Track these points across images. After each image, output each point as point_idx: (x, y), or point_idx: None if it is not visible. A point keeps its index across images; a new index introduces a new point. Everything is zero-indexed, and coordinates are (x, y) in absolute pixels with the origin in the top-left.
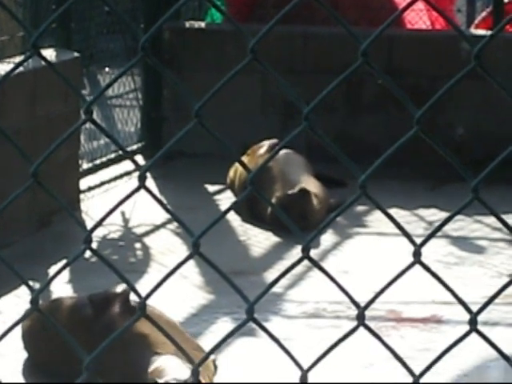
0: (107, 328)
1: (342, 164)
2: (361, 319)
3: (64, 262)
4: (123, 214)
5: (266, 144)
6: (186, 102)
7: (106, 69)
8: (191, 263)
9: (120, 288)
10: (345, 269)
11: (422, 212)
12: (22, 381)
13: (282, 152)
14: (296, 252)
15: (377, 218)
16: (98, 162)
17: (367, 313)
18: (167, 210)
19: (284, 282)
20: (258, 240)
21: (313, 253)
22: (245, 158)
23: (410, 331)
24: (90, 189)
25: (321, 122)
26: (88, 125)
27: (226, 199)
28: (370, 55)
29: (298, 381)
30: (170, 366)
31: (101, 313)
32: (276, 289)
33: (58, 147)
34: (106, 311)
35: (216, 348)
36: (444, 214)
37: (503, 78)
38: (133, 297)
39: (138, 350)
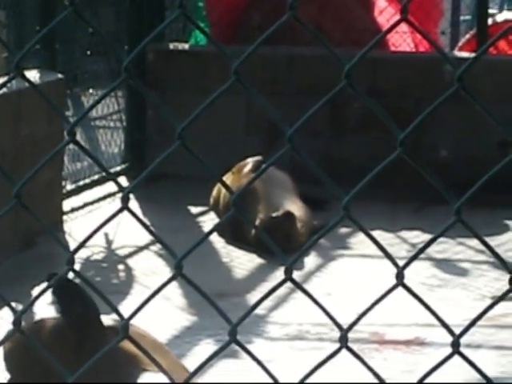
0: (92, 348)
1: (326, 186)
2: (344, 341)
3: (47, 283)
4: (106, 235)
5: (250, 162)
6: (169, 123)
7: (90, 90)
8: (174, 285)
9: (93, 310)
10: (328, 291)
11: (406, 234)
12: None
13: (267, 171)
14: (279, 274)
15: (360, 240)
16: (81, 183)
17: (350, 335)
18: (150, 232)
19: (267, 303)
20: (242, 262)
21: (296, 275)
22: (229, 177)
23: (393, 353)
24: (74, 210)
25: (305, 143)
26: (72, 146)
27: (209, 221)
28: (353, 77)
29: None
30: (157, 382)
31: (81, 334)
32: (259, 311)
33: (41, 168)
34: (86, 331)
35: (199, 370)
36: (427, 236)
37: (486, 100)
38: (116, 318)
39: (125, 369)
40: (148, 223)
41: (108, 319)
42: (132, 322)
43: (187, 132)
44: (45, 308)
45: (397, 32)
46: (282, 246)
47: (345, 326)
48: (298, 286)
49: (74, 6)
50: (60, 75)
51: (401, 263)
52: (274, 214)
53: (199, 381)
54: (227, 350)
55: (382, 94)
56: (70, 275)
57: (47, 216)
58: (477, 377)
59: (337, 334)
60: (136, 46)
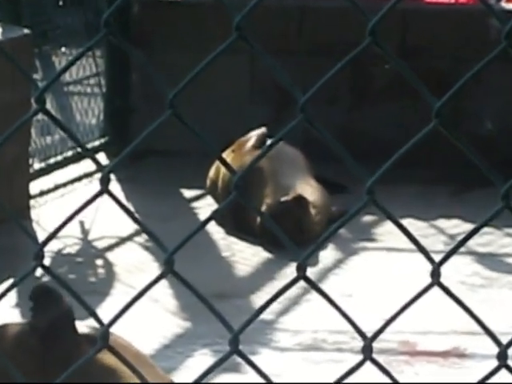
0: (61, 358)
1: (346, 165)
2: (368, 352)
3: (11, 281)
4: (82, 223)
5: (253, 136)
6: (158, 89)
7: (63, 49)
8: (164, 284)
9: (65, 311)
10: (349, 291)
11: (442, 223)
12: None
13: (276, 147)
14: (290, 271)
15: (387, 231)
16: (52, 161)
17: (375, 344)
18: (135, 220)
19: (275, 307)
20: (245, 256)
21: (310, 272)
22: (230, 154)
23: (427, 367)
24: (43, 193)
25: (321, 113)
26: (40, 116)
27: (205, 206)
28: (379, 33)
29: None
30: None
31: (49, 341)
32: (266, 315)
33: (3, 143)
34: (56, 339)
35: None
36: (468, 226)
37: None
38: (94, 324)
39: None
40: (132, 209)
41: (84, 326)
42: (112, 329)
43: (180, 99)
44: (8, 311)
45: None
46: (294, 238)
47: (369, 334)
48: (313, 285)
49: None
50: (26, 30)
51: (437, 258)
52: (284, 199)
53: None
54: (227, 362)
55: (413, 54)
56: (39, 272)
57: (11, 200)
58: None
59: (359, 343)
60: None
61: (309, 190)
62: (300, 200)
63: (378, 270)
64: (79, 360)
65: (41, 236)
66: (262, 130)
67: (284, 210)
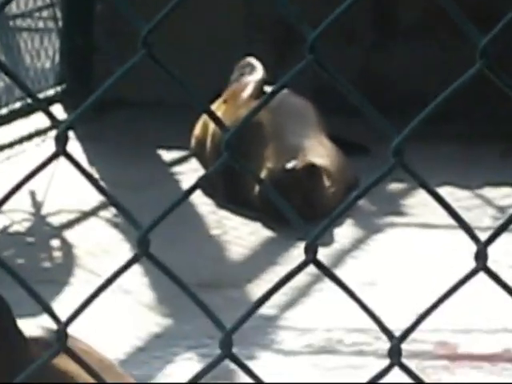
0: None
1: (366, 118)
2: (396, 356)
3: None
4: (33, 194)
5: (250, 83)
6: (128, 22)
7: None
8: (137, 270)
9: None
10: (371, 279)
11: (489, 192)
12: None
13: (278, 96)
14: (297, 253)
15: (420, 202)
16: None
17: (405, 346)
18: (100, 189)
19: (279, 298)
20: (240, 235)
21: (322, 254)
22: (220, 107)
23: (471, 374)
24: None
25: (336, 53)
26: None
27: (189, 172)
28: None
29: None
30: None
31: None
32: (267, 309)
33: None
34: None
35: None
36: None
37: None
38: (48, 321)
39: None
40: (97, 176)
41: (32, 325)
42: (71, 328)
43: (156, 36)
44: None
45: None
46: (301, 210)
47: (397, 333)
48: (326, 271)
49: None
50: None
51: (482, 236)
52: (290, 165)
53: None
54: (218, 368)
55: None
56: None
57: None
58: None
59: (385, 344)
60: None
61: (321, 151)
62: (311, 169)
63: (408, 252)
64: (29, 367)
65: None
66: (261, 73)
67: (290, 180)
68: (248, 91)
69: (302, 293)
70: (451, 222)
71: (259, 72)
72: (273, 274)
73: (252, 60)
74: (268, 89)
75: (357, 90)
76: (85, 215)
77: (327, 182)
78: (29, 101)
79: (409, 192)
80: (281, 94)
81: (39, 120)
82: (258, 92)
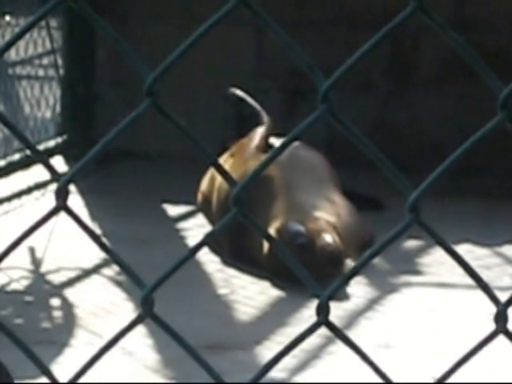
0: None
1: (382, 173)
2: None
3: None
4: (32, 250)
5: (258, 135)
6: (132, 70)
7: (7, 17)
8: (140, 331)
9: None
10: (385, 341)
11: (510, 250)
12: None
13: (289, 149)
14: (308, 314)
15: (437, 260)
16: None
17: None
18: (102, 246)
19: (289, 361)
20: (248, 294)
21: (334, 315)
22: (227, 161)
23: None
24: None
25: (350, 103)
26: None
27: (195, 228)
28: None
29: None
30: None
31: None
32: (276, 373)
33: None
34: None
35: None
36: None
37: None
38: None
39: None
40: (99, 231)
41: None
42: None
43: (162, 85)
44: None
45: None
46: (314, 271)
47: None
48: (338, 333)
49: None
50: None
51: (502, 297)
52: (301, 240)
53: None
54: None
55: (471, 28)
56: None
57: None
58: None
59: None
60: None
61: (333, 209)
62: (334, 257)
63: (425, 313)
64: None
65: None
66: (269, 125)
67: (303, 257)
68: (256, 143)
69: (314, 356)
70: (470, 281)
71: (266, 123)
72: (283, 336)
73: (259, 109)
74: (274, 141)
75: (372, 143)
76: (86, 273)
77: (339, 240)
78: (28, 153)
79: (425, 250)
80: (291, 147)
81: (39, 172)
82: (267, 144)
